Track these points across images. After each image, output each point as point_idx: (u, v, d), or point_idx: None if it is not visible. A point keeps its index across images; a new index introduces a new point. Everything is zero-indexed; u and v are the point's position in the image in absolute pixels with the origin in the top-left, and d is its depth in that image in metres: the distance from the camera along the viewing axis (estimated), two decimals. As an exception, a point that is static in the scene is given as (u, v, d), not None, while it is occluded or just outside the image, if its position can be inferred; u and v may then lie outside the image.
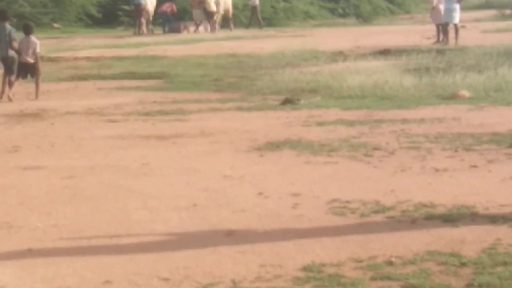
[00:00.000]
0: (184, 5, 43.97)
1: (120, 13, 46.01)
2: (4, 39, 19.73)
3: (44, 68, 26.03)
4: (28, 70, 19.87)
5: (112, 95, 19.42)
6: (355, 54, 27.35)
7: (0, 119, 16.05)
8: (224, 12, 42.28)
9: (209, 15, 41.18)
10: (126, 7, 44.29)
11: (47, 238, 7.92)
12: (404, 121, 14.16)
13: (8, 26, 20.27)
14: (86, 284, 6.54)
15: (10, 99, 18.94)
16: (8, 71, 19.82)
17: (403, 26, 44.96)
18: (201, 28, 41.73)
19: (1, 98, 19.15)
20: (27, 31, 20.51)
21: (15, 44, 19.67)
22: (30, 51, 19.99)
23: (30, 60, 19.80)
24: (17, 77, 19.84)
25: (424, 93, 17.66)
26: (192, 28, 41.68)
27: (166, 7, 42.40)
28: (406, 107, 15.88)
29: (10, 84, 19.45)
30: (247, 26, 44.24)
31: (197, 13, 41.01)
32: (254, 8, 44.29)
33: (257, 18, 44.26)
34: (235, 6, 46.96)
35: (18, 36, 20.29)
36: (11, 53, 19.84)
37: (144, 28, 40.88)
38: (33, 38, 20.39)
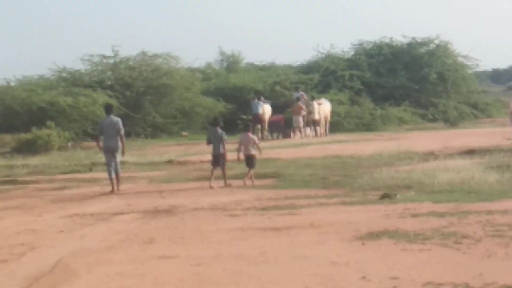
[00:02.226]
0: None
1: (239, 121, 46.39)
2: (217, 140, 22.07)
3: (173, 170, 26.47)
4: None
5: (233, 193, 19.54)
6: (444, 154, 27.15)
7: (138, 215, 16.25)
8: (323, 118, 42.45)
9: (311, 122, 41.53)
10: (244, 116, 44.56)
11: (179, 318, 7.96)
12: (489, 212, 13.98)
13: (219, 130, 22.38)
14: None
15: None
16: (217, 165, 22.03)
17: (486, 128, 44.54)
18: (308, 132, 41.86)
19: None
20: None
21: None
22: (250, 145, 22.55)
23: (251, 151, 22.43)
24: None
25: (506, 187, 17.44)
26: (298, 134, 41.76)
27: (277, 117, 42.77)
28: (491, 200, 15.69)
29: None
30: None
31: (297, 119, 41.15)
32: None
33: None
34: (338, 114, 47.21)
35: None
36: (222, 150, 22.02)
37: (261, 134, 40.97)
38: (251, 135, 23.19)
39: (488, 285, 8.59)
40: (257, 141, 22.68)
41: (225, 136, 22.52)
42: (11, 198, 20.50)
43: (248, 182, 21.64)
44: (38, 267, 10.97)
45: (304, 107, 40.71)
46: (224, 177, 21.89)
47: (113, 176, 21.41)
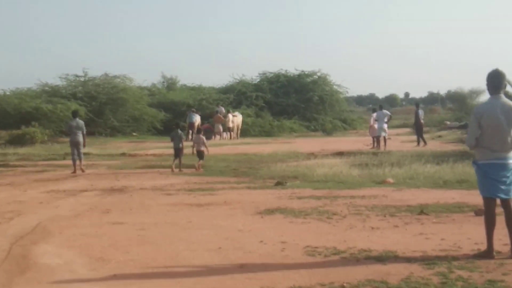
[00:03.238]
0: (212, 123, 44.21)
1: (174, 126, 46.19)
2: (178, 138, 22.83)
3: (125, 161, 26.22)
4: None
5: (168, 178, 19.43)
6: (321, 155, 27.38)
7: (98, 192, 16.06)
8: (236, 126, 42.70)
9: (227, 128, 41.76)
10: (182, 123, 44.56)
11: (126, 267, 7.89)
12: (352, 197, 14.14)
13: (179, 131, 23.30)
14: (150, 297, 6.51)
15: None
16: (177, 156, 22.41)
17: (352, 137, 45.10)
18: (224, 135, 42.07)
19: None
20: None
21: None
22: (200, 144, 22.84)
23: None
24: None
25: (364, 179, 17.66)
26: (218, 137, 41.83)
27: (207, 126, 42.88)
28: (353, 188, 15.87)
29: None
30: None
31: (218, 126, 41.36)
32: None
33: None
34: (246, 123, 47.41)
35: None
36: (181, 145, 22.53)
37: (190, 136, 41.07)
38: (201, 136, 23.35)
39: (350, 249, 8.68)
40: (205, 141, 23.00)
41: (183, 136, 23.08)
42: (4, 178, 20.10)
43: (199, 169, 21.95)
44: (23, 228, 10.78)
45: (222, 117, 40.75)
46: (180, 164, 22.11)
47: (77, 162, 21.78)
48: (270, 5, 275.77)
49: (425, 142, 32.42)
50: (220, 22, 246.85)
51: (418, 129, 33.44)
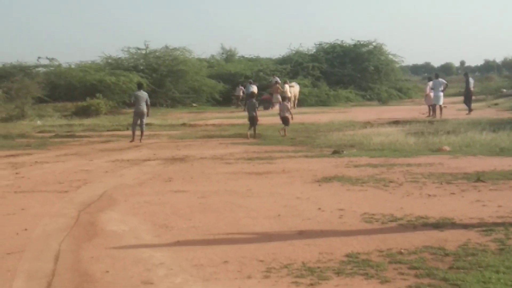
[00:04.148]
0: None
1: (232, 97, 46.44)
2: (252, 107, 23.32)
3: (186, 131, 26.41)
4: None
5: (228, 147, 19.51)
6: (377, 123, 27.13)
7: (160, 161, 16.22)
8: (293, 96, 42.53)
9: (285, 98, 41.59)
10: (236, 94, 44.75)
11: (189, 234, 7.97)
12: (408, 165, 14.00)
13: (254, 100, 24.09)
14: (212, 263, 6.55)
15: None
16: (251, 125, 23.01)
17: (407, 106, 44.56)
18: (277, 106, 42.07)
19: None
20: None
21: None
22: (285, 111, 23.78)
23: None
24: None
25: (420, 147, 17.46)
26: (276, 107, 41.77)
27: (266, 96, 42.93)
28: (410, 156, 15.70)
29: None
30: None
31: (276, 97, 41.26)
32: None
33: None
34: (303, 93, 47.26)
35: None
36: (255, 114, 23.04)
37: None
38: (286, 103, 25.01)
39: (407, 216, 8.61)
40: (289, 108, 24.01)
41: (257, 105, 23.99)
42: (71, 148, 20.44)
43: (285, 135, 22.67)
44: (89, 196, 10.96)
45: (281, 88, 40.65)
46: (254, 133, 22.65)
47: (137, 132, 22.17)
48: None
49: (470, 110, 31.89)
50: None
51: (467, 97, 32.91)
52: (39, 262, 6.81)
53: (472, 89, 33.41)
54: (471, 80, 33.76)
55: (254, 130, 22.77)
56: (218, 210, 9.50)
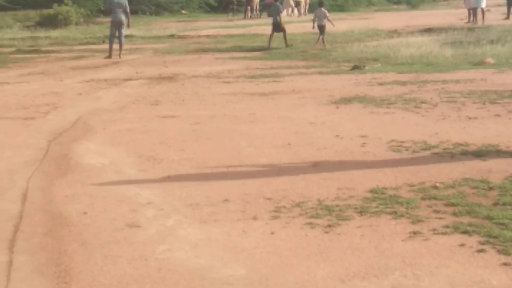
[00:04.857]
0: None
1: (235, 1, 46.06)
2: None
3: (174, 43, 26.30)
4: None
5: (226, 63, 19.46)
6: (406, 32, 27.01)
7: (145, 81, 16.20)
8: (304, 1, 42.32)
9: (297, 3, 41.48)
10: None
11: (181, 168, 7.99)
12: (444, 81, 13.98)
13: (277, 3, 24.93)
14: (210, 201, 6.58)
15: None
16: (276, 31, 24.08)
17: (442, 10, 44.20)
18: (296, 12, 41.85)
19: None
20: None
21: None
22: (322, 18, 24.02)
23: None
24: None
25: (459, 60, 17.42)
26: (284, 13, 41.52)
27: (269, 0, 42.80)
28: (445, 71, 15.67)
29: None
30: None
31: (288, 2, 40.99)
32: None
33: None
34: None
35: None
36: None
37: (249, 13, 41.18)
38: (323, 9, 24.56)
39: (443, 143, 8.62)
40: (327, 15, 24.17)
41: (281, 9, 24.85)
42: (36, 65, 20.41)
43: (320, 46, 23.19)
44: (61, 123, 10.97)
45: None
46: (285, 41, 23.69)
47: (115, 46, 22.09)
48: None
49: (508, 15, 31.66)
50: None
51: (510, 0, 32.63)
52: (3, 202, 6.85)
53: None
54: None
55: (285, 39, 23.57)
56: (215, 138, 9.51)
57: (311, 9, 43.91)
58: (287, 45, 23.03)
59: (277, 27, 23.47)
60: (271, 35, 23.57)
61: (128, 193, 6.97)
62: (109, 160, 8.48)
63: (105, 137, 9.92)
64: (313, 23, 24.16)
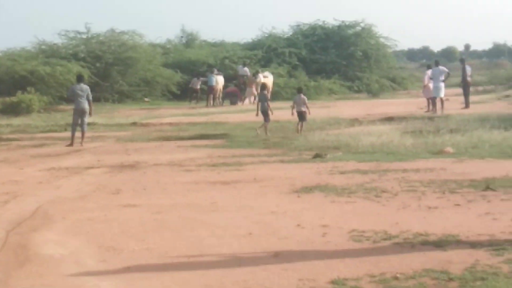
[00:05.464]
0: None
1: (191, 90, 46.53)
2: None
3: (137, 131, 26.35)
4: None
5: (188, 151, 19.48)
6: (367, 120, 27.31)
7: (106, 169, 16.16)
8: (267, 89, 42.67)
9: (264, 88, 41.88)
10: (199, 86, 44.72)
11: (141, 258, 7.94)
12: (405, 170, 14.09)
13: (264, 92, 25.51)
14: (170, 293, 6.54)
15: None
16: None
17: (402, 99, 44.87)
18: (247, 101, 42.18)
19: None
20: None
21: None
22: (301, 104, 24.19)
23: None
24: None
25: (419, 149, 17.58)
26: (246, 101, 41.90)
27: (232, 89, 43.41)
28: (406, 160, 15.81)
29: None
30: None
31: (250, 90, 41.41)
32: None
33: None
34: (278, 85, 47.32)
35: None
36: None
37: (211, 101, 41.55)
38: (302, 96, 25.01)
39: (404, 233, 8.66)
40: (306, 101, 24.43)
41: (268, 96, 25.34)
42: (-3, 153, 20.26)
43: (301, 131, 23.19)
44: (20, 213, 10.88)
45: (255, 79, 40.86)
46: (266, 129, 23.63)
47: (77, 134, 22.01)
48: None
49: (466, 104, 32.31)
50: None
51: (466, 88, 33.34)
52: (-41, 295, 6.74)
53: (469, 78, 33.89)
54: (468, 68, 34.24)
55: (266, 127, 23.64)
56: (176, 228, 9.48)
57: (273, 97, 44.42)
58: (266, 134, 23.08)
59: (265, 114, 23.84)
60: (261, 125, 23.83)
61: (88, 285, 6.90)
62: (68, 250, 8.40)
63: (65, 226, 9.84)
64: (292, 109, 24.30)
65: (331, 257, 7.64)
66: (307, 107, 24.19)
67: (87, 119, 22.38)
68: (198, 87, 43.28)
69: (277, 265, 7.40)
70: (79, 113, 22.04)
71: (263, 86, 26.86)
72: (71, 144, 21.77)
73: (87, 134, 22.54)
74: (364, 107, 35.43)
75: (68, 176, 15.13)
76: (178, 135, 24.48)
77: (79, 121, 22.02)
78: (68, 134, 23.30)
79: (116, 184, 13.76)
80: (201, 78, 43.43)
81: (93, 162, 17.45)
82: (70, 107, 25.74)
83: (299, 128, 23.58)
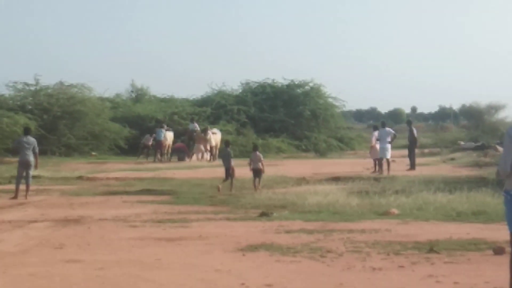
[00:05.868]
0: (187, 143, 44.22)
1: (224, 145, 46.29)
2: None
3: (82, 185, 26.12)
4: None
5: (134, 206, 19.37)
6: (314, 180, 27.41)
7: (50, 223, 15.97)
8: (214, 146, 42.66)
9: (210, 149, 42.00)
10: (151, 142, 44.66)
11: (83, 315, 7.83)
12: (350, 231, 14.14)
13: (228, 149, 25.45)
14: None
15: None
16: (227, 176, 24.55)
17: (349, 159, 45.18)
18: (206, 156, 42.08)
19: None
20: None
21: None
22: (257, 161, 24.52)
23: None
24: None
25: (365, 210, 17.67)
26: (194, 157, 41.84)
27: (180, 144, 43.42)
28: (351, 220, 15.87)
29: None
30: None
31: (198, 146, 41.43)
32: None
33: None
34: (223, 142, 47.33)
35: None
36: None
37: (159, 156, 41.45)
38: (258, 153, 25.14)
39: (347, 293, 8.67)
40: (262, 159, 24.73)
41: (231, 154, 25.37)
42: None
43: (258, 188, 23.53)
44: (-41, 266, 10.67)
45: (204, 136, 40.92)
46: (231, 186, 24.19)
47: (21, 187, 21.90)
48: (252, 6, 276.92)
49: (412, 166, 32.69)
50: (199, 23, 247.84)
51: (412, 150, 33.75)
52: None
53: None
54: (415, 130, 34.72)
55: (231, 184, 24.02)
56: (119, 284, 9.38)
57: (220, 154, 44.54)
58: (231, 191, 23.29)
59: (228, 172, 24.31)
60: (223, 181, 24.28)
61: None
62: (8, 306, 8.25)
63: (5, 281, 9.67)
64: (249, 166, 24.55)
65: (274, 317, 7.60)
66: (263, 165, 24.47)
67: (32, 172, 22.27)
68: (150, 143, 43.15)
69: (220, 325, 7.34)
70: (24, 166, 21.92)
71: (227, 143, 27.23)
72: (15, 197, 21.55)
73: (32, 187, 22.35)
74: (312, 166, 35.60)
75: (11, 230, 14.92)
76: (124, 190, 24.34)
77: (24, 174, 21.91)
78: (12, 187, 23.04)
79: (60, 238, 13.59)
80: (154, 135, 43.34)
81: (37, 216, 17.25)
82: (15, 160, 25.53)
83: (256, 184, 23.85)
